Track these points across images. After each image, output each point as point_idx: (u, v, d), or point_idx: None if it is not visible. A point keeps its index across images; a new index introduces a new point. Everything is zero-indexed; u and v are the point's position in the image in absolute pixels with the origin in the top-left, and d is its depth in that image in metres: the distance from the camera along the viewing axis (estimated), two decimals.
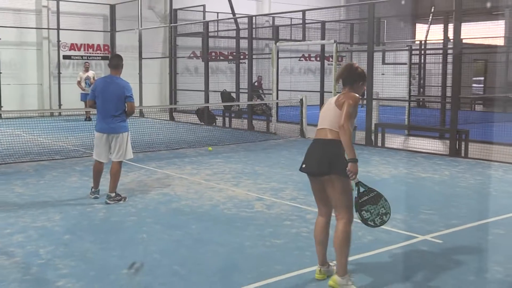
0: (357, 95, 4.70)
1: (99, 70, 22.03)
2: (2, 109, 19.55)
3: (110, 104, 7.50)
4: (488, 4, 20.51)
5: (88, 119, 18.44)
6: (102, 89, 7.60)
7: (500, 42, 22.86)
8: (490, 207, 7.54)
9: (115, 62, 7.79)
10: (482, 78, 26.61)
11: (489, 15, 23.28)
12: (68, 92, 21.03)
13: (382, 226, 6.38)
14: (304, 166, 4.80)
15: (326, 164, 4.57)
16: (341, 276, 4.53)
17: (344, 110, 4.53)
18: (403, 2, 22.42)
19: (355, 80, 4.78)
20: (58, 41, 21.24)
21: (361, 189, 4.61)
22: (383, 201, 4.69)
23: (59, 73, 21.28)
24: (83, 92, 18.65)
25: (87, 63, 19.45)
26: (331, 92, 14.69)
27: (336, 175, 4.53)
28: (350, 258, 5.33)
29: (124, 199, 7.61)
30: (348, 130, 4.50)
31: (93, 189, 7.82)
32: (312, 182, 4.83)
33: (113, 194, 7.55)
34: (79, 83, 18.80)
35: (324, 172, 4.59)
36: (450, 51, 14.53)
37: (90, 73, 18.87)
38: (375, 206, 4.62)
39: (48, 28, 21.04)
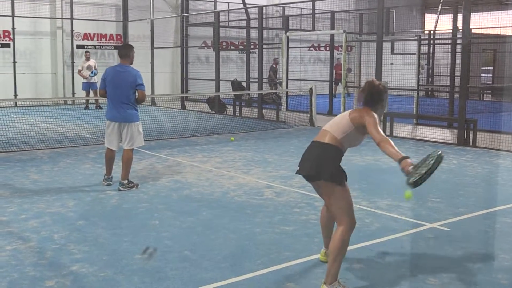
0: (376, 115, 4.45)
1: (111, 59, 22.08)
2: (17, 97, 19.63)
3: (121, 92, 7.47)
4: None
5: (98, 107, 18.50)
6: (113, 77, 7.56)
7: (509, 32, 22.60)
8: (498, 196, 7.51)
9: (126, 51, 7.74)
10: (491, 68, 26.43)
11: (498, 5, 23.05)
12: (81, 81, 21.07)
13: (389, 214, 6.41)
14: (298, 168, 4.61)
15: (315, 168, 4.40)
16: (329, 284, 4.22)
17: (371, 130, 4.41)
18: None
19: (377, 101, 4.57)
20: (72, 30, 21.27)
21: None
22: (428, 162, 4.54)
23: (72, 62, 21.31)
24: (84, 81, 18.69)
25: (87, 52, 19.47)
26: (340, 81, 14.61)
27: (324, 181, 4.37)
28: (358, 245, 5.36)
29: (136, 186, 7.62)
30: (384, 141, 4.35)
31: (106, 176, 7.84)
32: (314, 185, 4.66)
33: (126, 181, 7.55)
34: (80, 72, 18.81)
35: (313, 176, 4.47)
36: (459, 41, 14.40)
37: (92, 62, 18.89)
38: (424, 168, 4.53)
39: (62, 18, 21.06)
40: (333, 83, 19.10)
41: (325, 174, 4.35)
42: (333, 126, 4.62)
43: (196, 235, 5.69)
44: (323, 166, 4.39)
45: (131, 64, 7.73)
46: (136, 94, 7.58)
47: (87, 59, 18.98)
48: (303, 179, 6.69)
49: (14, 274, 4.62)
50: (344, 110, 13.91)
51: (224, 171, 8.88)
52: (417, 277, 4.63)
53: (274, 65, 21.73)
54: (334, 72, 20.60)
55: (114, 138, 7.64)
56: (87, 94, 18.71)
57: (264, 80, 18.34)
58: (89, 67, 18.68)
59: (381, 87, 4.61)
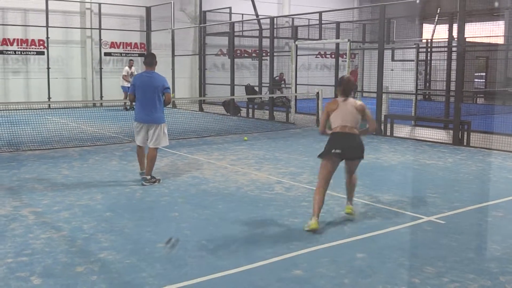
0: None
1: (136, 65, 22.12)
2: (51, 100, 19.78)
3: (149, 96, 7.52)
4: (490, 6, 20.11)
5: (130, 107, 18.60)
6: (141, 82, 7.64)
7: (500, 40, 22.45)
8: (490, 192, 7.44)
9: (150, 60, 7.78)
10: (483, 74, 26.24)
11: (490, 16, 22.86)
12: (108, 85, 21.23)
13: (390, 208, 6.38)
14: (339, 152, 5.70)
15: (360, 151, 5.84)
16: (351, 202, 6.16)
17: (369, 115, 5.94)
18: (417, 1, 22.09)
19: (352, 90, 6.10)
20: (100, 39, 21.40)
21: None
22: None
23: (100, 68, 21.46)
24: (126, 85, 18.83)
25: (131, 61, 19.65)
26: None
27: (359, 159, 5.96)
28: (361, 236, 5.35)
29: (158, 181, 7.64)
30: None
31: (140, 171, 7.89)
32: (334, 164, 5.78)
33: (149, 177, 7.58)
34: (126, 76, 18.97)
35: (360, 156, 5.89)
36: (454, 49, 14.29)
37: (133, 69, 19.08)
38: None
39: (91, 28, 21.19)
40: None
41: (362, 154, 5.91)
42: (352, 121, 5.79)
43: (212, 226, 5.70)
44: (362, 150, 5.87)
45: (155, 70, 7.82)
46: (163, 97, 7.66)
47: (130, 66, 19.17)
48: (312, 175, 6.76)
49: (48, 260, 4.65)
50: None
51: (238, 168, 8.88)
52: (415, 266, 4.60)
53: (277, 78, 21.54)
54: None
55: (141, 137, 7.72)
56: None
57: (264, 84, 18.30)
58: (131, 74, 18.88)
59: (352, 79, 6.18)
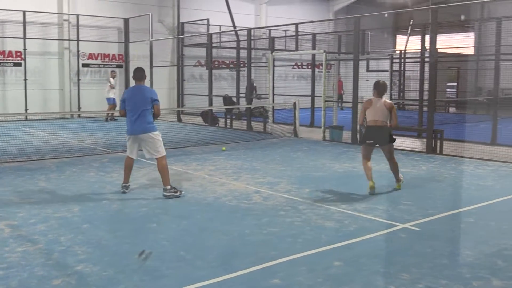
0: None
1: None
2: (28, 111, 19.52)
3: (139, 108, 7.43)
4: (461, 18, 20.53)
5: (111, 119, 18.49)
6: (131, 96, 7.57)
7: (471, 51, 22.87)
8: (462, 198, 7.55)
9: (140, 74, 7.67)
10: (455, 84, 26.67)
11: (461, 27, 23.32)
12: (86, 97, 21.05)
13: (366, 216, 6.42)
14: (371, 141, 7.75)
15: (388, 139, 7.69)
16: (399, 181, 7.93)
17: (394, 113, 7.72)
18: (386, 15, 22.41)
19: (385, 92, 7.94)
20: (78, 51, 21.23)
21: None
22: None
23: (78, 79, 21.27)
24: (111, 97, 18.75)
25: (114, 71, 19.62)
26: (320, 96, 14.66)
27: (390, 143, 7.74)
28: (338, 244, 5.37)
29: (180, 193, 7.43)
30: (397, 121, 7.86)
31: (123, 184, 7.73)
32: (369, 148, 7.83)
33: (168, 187, 7.38)
34: (111, 87, 18.85)
35: (388, 141, 7.71)
36: (426, 60, 14.51)
37: (115, 79, 19.11)
38: None
39: (69, 40, 21.01)
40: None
41: (392, 140, 7.75)
42: (381, 116, 7.65)
43: (190, 237, 5.66)
44: (390, 137, 7.69)
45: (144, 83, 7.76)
46: (152, 109, 7.57)
47: (113, 77, 19.10)
48: (289, 185, 6.73)
49: (24, 273, 4.56)
50: (325, 122, 14.05)
51: (216, 178, 8.85)
52: (391, 273, 4.62)
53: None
54: (337, 87, 21.63)
55: (133, 148, 7.63)
56: (114, 108, 18.66)
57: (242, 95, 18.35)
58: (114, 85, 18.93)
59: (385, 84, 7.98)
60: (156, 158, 7.50)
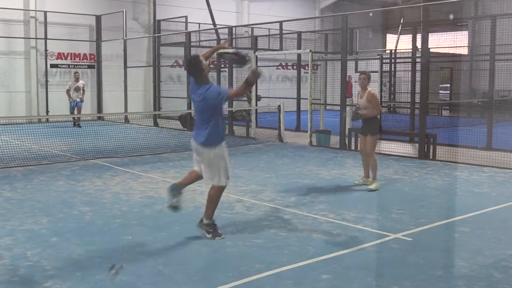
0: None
1: (85, 78, 21.86)
2: None
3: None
4: (453, 16, 20.80)
5: (76, 125, 18.34)
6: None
7: (465, 51, 23.18)
8: (457, 207, 7.62)
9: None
10: (448, 85, 26.99)
11: (454, 26, 23.61)
12: (55, 99, 20.84)
13: (355, 226, 6.45)
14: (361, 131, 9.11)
15: (368, 129, 8.83)
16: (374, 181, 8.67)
17: (373, 102, 8.69)
18: (371, 15, 22.59)
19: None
20: (46, 50, 21.05)
21: None
22: None
23: (46, 81, 21.08)
24: (71, 101, 18.50)
25: (77, 73, 19.28)
26: (307, 99, 14.73)
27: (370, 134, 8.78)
28: (326, 256, 5.38)
29: (219, 236, 6.01)
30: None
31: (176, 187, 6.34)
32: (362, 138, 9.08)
33: (207, 221, 6.12)
34: (67, 91, 18.59)
35: (367, 133, 8.80)
36: (418, 60, 14.67)
37: (80, 83, 18.73)
38: None
39: (36, 38, 20.83)
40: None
41: (370, 132, 8.77)
42: (367, 108, 8.65)
43: (169, 250, 5.63)
44: (370, 129, 8.77)
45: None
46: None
47: (76, 80, 18.78)
48: (274, 193, 6.80)
49: None
50: (312, 126, 14.11)
51: (196, 187, 8.79)
52: (382, 286, 4.65)
53: None
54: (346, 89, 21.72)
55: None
56: (72, 113, 18.42)
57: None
58: (77, 88, 18.53)
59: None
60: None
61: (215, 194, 6.11)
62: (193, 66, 6.02)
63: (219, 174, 6.03)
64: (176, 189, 6.22)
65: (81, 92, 18.61)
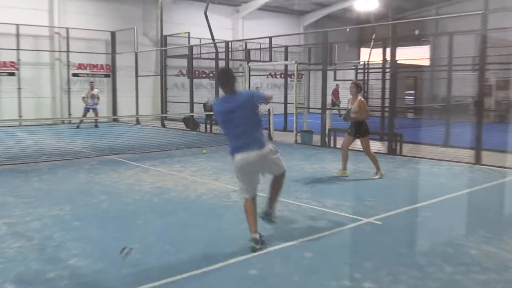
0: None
1: (102, 85, 21.81)
2: (22, 118, 19.19)
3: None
4: (417, 32, 20.89)
5: (78, 127, 18.25)
6: None
7: (426, 63, 23.30)
8: (419, 195, 7.69)
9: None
10: (412, 92, 27.09)
11: (418, 41, 23.73)
12: (76, 104, 20.72)
13: (334, 211, 6.50)
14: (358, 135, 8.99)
15: (354, 131, 9.03)
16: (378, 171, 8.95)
17: (360, 107, 8.80)
18: (347, 30, 22.64)
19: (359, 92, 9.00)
20: (68, 61, 20.97)
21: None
22: None
23: (68, 88, 21.00)
24: (86, 106, 18.37)
25: (92, 83, 19.17)
26: (293, 103, 14.76)
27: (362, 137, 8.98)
28: (309, 237, 5.41)
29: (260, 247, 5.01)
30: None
31: (254, 235, 5.11)
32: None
33: (257, 236, 5.09)
34: (84, 99, 18.41)
35: (355, 134, 9.05)
36: (387, 70, 14.74)
37: (95, 91, 18.60)
38: None
39: (60, 51, 20.73)
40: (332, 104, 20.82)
41: (358, 133, 8.91)
42: (357, 113, 8.73)
43: (174, 232, 5.66)
44: (363, 131, 8.87)
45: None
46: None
47: (92, 88, 18.64)
48: (264, 184, 6.90)
49: (20, 267, 4.51)
50: (297, 127, 14.15)
51: (198, 178, 8.85)
52: (356, 262, 4.70)
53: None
54: (332, 95, 22.03)
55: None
56: (84, 115, 18.33)
57: None
58: (92, 96, 18.40)
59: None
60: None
61: (284, 180, 5.48)
62: (230, 75, 5.18)
63: (282, 161, 5.37)
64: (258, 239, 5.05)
65: (97, 98, 18.46)
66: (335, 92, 24.10)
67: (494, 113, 21.99)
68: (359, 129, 8.87)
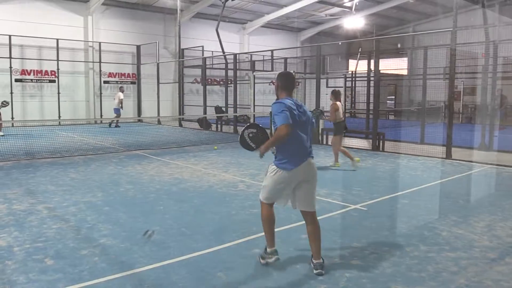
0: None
1: (129, 91, 21.80)
2: (60, 118, 19.23)
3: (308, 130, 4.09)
4: (397, 46, 20.78)
5: (111, 125, 18.23)
6: (302, 112, 3.99)
7: (405, 72, 23.18)
8: (399, 185, 7.65)
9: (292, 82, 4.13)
10: (393, 97, 26.98)
11: (397, 54, 23.62)
12: (107, 106, 20.77)
13: (326, 199, 6.46)
14: (345, 131, 9.11)
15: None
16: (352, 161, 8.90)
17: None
18: (340, 43, 22.54)
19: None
20: (100, 70, 20.95)
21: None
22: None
23: (100, 93, 20.99)
24: (117, 107, 18.38)
25: (122, 86, 19.21)
26: None
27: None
28: (303, 222, 5.35)
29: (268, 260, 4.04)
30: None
31: (269, 250, 4.10)
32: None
33: (321, 261, 3.93)
34: (120, 100, 18.39)
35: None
36: (372, 78, 14.67)
37: (121, 95, 18.63)
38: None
39: (93, 62, 20.72)
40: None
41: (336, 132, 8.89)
42: (330, 115, 8.85)
43: (189, 216, 5.64)
44: (336, 131, 8.84)
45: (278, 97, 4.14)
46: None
47: (123, 91, 18.74)
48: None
49: (59, 245, 4.51)
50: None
51: (210, 171, 8.83)
52: (345, 243, 4.67)
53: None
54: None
55: (283, 193, 4.04)
56: (118, 116, 18.31)
57: (230, 105, 18.30)
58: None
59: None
60: (310, 213, 4.06)
61: (318, 222, 3.95)
62: (294, 79, 4.12)
63: (315, 198, 4.02)
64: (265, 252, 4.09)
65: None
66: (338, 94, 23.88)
67: (462, 115, 21.89)
68: (335, 129, 8.96)
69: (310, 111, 4.32)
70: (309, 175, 3.93)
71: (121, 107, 18.26)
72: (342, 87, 17.04)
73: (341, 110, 8.87)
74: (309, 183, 3.94)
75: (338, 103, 8.79)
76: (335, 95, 8.81)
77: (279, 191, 3.93)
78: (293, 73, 3.94)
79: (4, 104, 13.75)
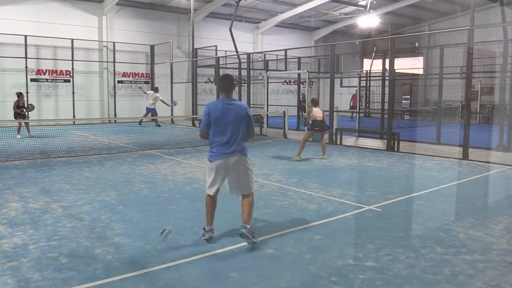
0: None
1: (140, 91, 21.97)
2: (75, 117, 19.47)
3: (234, 128, 4.71)
4: (413, 45, 20.57)
5: (157, 125, 18.41)
6: (224, 113, 4.71)
7: (420, 72, 22.92)
8: (414, 186, 7.57)
9: (229, 84, 4.86)
10: (408, 96, 26.71)
11: (413, 53, 23.36)
12: (121, 106, 20.99)
13: (340, 200, 6.42)
14: (317, 128, 10.10)
15: (325, 127, 10.24)
16: (324, 154, 10.29)
17: (324, 114, 10.29)
18: (357, 42, 22.41)
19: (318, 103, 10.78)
20: (114, 70, 21.15)
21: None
22: None
23: (114, 93, 21.19)
24: (151, 107, 18.32)
25: (157, 87, 19.21)
26: (304, 106, 14.63)
27: (327, 130, 10.48)
28: (318, 222, 5.36)
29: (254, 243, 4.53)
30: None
31: (207, 228, 4.84)
32: (314, 133, 10.33)
33: (249, 226, 4.63)
34: (155, 99, 18.27)
35: (326, 128, 10.34)
36: (387, 78, 14.54)
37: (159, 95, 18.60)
38: None
39: (107, 61, 20.94)
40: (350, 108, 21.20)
41: (327, 128, 10.31)
42: (321, 115, 10.08)
43: (203, 216, 5.59)
44: (327, 127, 10.22)
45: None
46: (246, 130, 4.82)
47: (158, 91, 18.64)
48: (280, 175, 6.74)
49: (73, 243, 4.56)
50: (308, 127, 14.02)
51: None
52: (359, 244, 4.64)
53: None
54: (351, 100, 21.81)
55: (217, 181, 4.83)
56: (146, 115, 18.39)
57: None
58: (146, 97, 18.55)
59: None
60: (245, 195, 4.85)
61: (253, 200, 4.88)
62: (233, 81, 4.86)
63: (252, 181, 4.90)
64: (205, 230, 4.78)
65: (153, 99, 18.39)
66: (354, 97, 23.71)
67: (479, 115, 21.56)
68: (325, 126, 10.34)
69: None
70: (238, 168, 4.75)
71: (153, 105, 18.17)
72: (356, 86, 16.90)
73: (316, 114, 10.11)
74: (242, 174, 4.79)
75: (314, 108, 10.21)
76: (313, 102, 10.42)
77: (211, 180, 4.84)
78: (231, 76, 4.42)
79: (30, 108, 13.94)
